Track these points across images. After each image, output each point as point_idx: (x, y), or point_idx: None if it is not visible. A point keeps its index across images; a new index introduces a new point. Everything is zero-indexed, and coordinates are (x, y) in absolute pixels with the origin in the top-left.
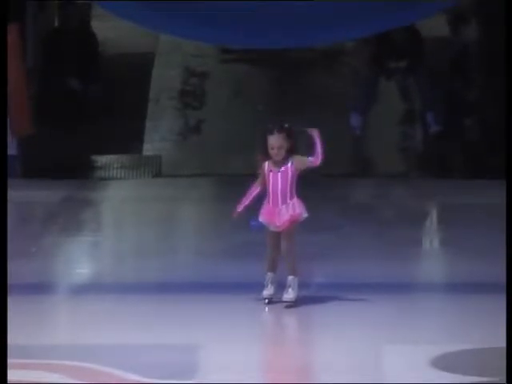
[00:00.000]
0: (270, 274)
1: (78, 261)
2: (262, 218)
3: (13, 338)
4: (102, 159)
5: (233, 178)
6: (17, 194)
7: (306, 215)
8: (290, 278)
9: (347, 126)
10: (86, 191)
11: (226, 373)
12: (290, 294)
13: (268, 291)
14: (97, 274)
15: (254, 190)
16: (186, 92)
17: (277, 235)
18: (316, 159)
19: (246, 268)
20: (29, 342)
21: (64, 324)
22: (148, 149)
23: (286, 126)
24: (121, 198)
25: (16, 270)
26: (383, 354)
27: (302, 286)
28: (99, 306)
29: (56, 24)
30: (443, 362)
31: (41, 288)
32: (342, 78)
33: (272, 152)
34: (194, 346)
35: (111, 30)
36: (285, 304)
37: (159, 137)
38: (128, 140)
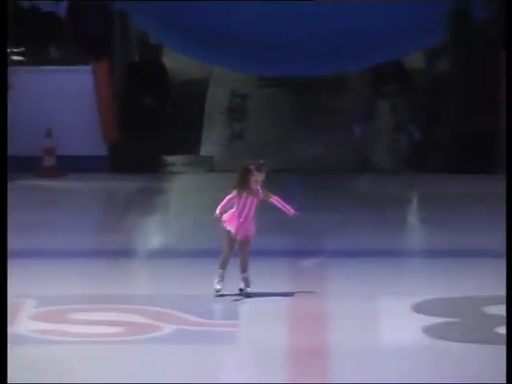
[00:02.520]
0: (222, 271)
1: (153, 234)
2: (230, 227)
3: (110, 289)
4: (170, 158)
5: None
6: (106, 185)
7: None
8: (245, 274)
9: (352, 133)
10: (158, 182)
11: (262, 318)
12: (250, 286)
13: (220, 285)
14: (166, 244)
15: (229, 204)
16: (231, 108)
17: (235, 242)
18: (284, 209)
19: (280, 239)
20: (123, 292)
21: (145, 280)
22: (204, 151)
23: (262, 162)
24: (183, 187)
25: (107, 241)
26: (376, 304)
27: (317, 252)
28: (166, 267)
29: (137, 58)
30: (421, 309)
31: (126, 253)
32: (347, 98)
33: (255, 184)
34: (240, 298)
35: (178, 62)
36: (246, 293)
37: (212, 142)
38: (189, 144)
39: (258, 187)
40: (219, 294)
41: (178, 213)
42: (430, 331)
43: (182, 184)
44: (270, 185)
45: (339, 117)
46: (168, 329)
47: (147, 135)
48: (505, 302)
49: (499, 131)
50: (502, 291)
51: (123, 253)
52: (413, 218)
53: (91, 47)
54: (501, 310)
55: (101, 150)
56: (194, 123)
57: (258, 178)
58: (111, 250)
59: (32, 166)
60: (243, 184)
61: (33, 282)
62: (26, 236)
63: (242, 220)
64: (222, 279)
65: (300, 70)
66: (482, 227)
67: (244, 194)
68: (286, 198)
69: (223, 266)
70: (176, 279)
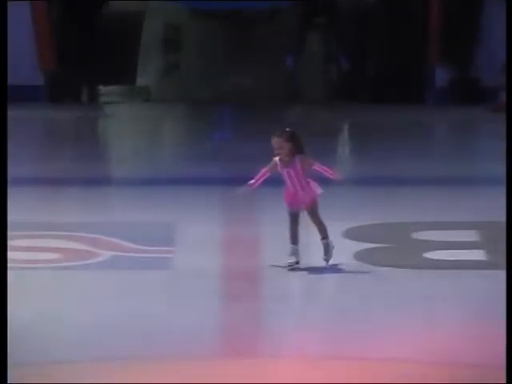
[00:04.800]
0: (293, 246)
1: (92, 162)
2: (285, 202)
3: (50, 216)
4: (107, 88)
5: (200, 103)
6: (43, 114)
7: (320, 192)
8: (325, 241)
9: (284, 65)
10: (96, 111)
11: (197, 244)
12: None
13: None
14: (105, 172)
15: (265, 174)
16: (166, 40)
17: (295, 214)
18: (326, 173)
19: (211, 167)
20: (62, 219)
21: (84, 208)
22: (140, 81)
23: (287, 130)
24: (121, 116)
25: (47, 169)
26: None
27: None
28: (106, 195)
29: None
30: (353, 235)
31: (65, 181)
32: (279, 30)
33: (275, 152)
34: (172, 224)
35: None
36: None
37: (147, 73)
38: (126, 75)
39: (294, 157)
40: (291, 267)
41: (115, 141)
42: (361, 257)
43: (119, 113)
44: (203, 116)
45: (271, 49)
46: (105, 255)
47: (84, 66)
48: (434, 227)
49: (426, 63)
50: (430, 217)
51: (63, 181)
52: (343, 146)
53: None
54: (429, 235)
55: (38, 80)
56: (130, 55)
57: (273, 146)
58: (51, 178)
59: None
60: (276, 156)
61: None
62: None
63: (291, 191)
64: (294, 254)
65: (233, 2)
66: (412, 155)
67: (280, 165)
68: (218, 128)
69: (294, 241)
70: (114, 207)
